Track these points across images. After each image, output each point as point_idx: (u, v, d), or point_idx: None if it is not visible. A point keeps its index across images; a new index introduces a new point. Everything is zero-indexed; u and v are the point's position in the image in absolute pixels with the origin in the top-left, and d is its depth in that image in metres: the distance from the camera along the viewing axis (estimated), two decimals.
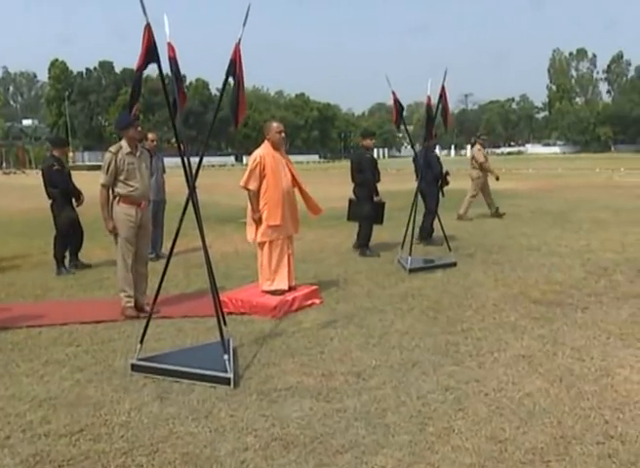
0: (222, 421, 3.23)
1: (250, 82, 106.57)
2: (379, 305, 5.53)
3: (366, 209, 8.11)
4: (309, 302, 5.58)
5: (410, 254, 7.05)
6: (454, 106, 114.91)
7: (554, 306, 5.37)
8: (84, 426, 3.20)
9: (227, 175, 38.38)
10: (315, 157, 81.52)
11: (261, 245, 5.60)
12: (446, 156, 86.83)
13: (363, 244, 8.21)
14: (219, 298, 4.22)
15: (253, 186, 5.52)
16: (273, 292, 5.50)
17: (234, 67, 4.13)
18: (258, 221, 5.53)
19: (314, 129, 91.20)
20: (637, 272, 6.70)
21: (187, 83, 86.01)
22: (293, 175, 5.78)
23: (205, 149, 4.81)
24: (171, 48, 4.21)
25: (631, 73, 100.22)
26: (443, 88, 6.99)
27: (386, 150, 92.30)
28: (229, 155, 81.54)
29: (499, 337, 4.53)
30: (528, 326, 4.81)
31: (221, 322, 4.03)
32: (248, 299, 5.39)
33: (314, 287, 5.82)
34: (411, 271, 6.84)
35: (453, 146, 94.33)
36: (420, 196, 7.99)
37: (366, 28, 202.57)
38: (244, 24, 4.06)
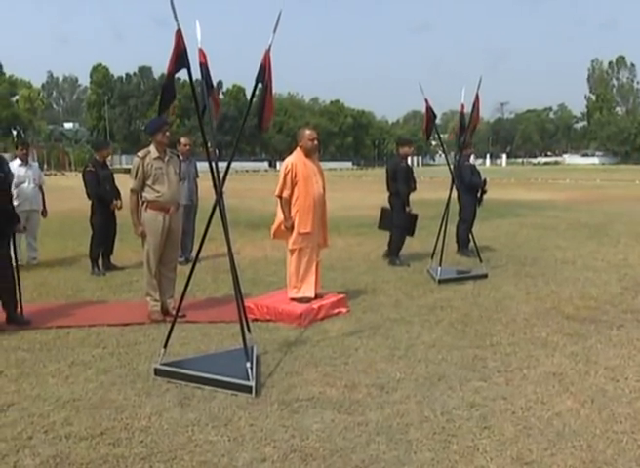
0: (242, 430, 3.20)
1: (285, 88, 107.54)
2: (406, 316, 5.44)
3: (398, 218, 8.00)
4: (336, 311, 5.52)
5: (440, 265, 6.93)
6: (490, 115, 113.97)
7: (588, 323, 5.21)
8: (105, 429, 3.20)
9: (261, 180, 38.62)
10: (349, 164, 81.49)
11: (292, 251, 5.57)
12: (481, 165, 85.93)
13: (393, 253, 8.11)
14: (243, 305, 4.20)
15: (285, 194, 5.51)
16: (300, 300, 5.46)
17: (264, 73, 4.12)
18: (290, 229, 5.50)
19: (348, 135, 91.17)
20: None
21: (224, 89, 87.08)
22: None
23: (234, 154, 4.80)
24: (202, 54, 4.23)
25: None
26: (477, 96, 6.87)
27: (420, 158, 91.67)
28: (263, 160, 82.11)
29: (529, 353, 4.40)
30: (560, 342, 4.66)
31: (244, 329, 4.00)
32: (274, 306, 5.36)
33: (341, 295, 5.76)
34: (440, 282, 6.73)
35: (488, 155, 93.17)
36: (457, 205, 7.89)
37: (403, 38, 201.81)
38: (274, 31, 4.04)
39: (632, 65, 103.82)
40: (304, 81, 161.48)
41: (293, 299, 5.50)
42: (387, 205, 8.22)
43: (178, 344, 4.57)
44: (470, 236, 7.63)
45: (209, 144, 4.12)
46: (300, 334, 4.91)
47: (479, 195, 8.77)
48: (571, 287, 6.61)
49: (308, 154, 5.63)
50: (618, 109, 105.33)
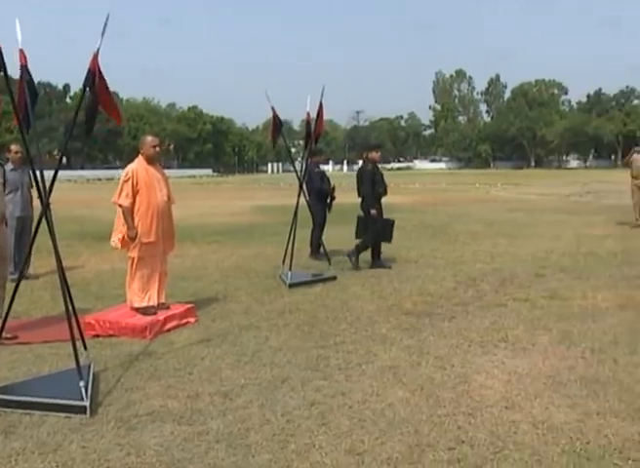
0: (73, 454, 3.03)
1: (140, 93, 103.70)
2: (255, 322, 5.48)
3: (372, 224, 8.10)
4: (184, 321, 5.42)
5: (290, 269, 7.07)
6: (346, 123, 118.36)
7: (424, 316, 5.59)
8: None
9: (113, 188, 36.81)
10: (209, 171, 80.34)
11: (133, 260, 5.38)
12: (339, 171, 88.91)
13: (356, 250, 8.15)
14: (77, 321, 4.00)
15: (126, 202, 5.30)
16: (144, 311, 5.29)
17: (93, 78, 3.96)
18: (133, 239, 5.30)
19: (208, 142, 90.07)
20: (502, 281, 7.14)
21: (72, 93, 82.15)
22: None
23: (60, 162, 4.56)
24: (22, 55, 3.98)
25: (507, 95, 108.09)
26: (320, 105, 7.12)
27: (281, 164, 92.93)
28: (118, 168, 78.51)
29: (368, 349, 4.63)
30: (397, 337, 4.95)
31: (76, 347, 3.79)
32: (116, 321, 5.14)
33: (189, 305, 5.67)
34: (291, 286, 6.86)
35: (345, 162, 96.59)
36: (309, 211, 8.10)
37: (259, 42, 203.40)
38: (102, 34, 3.90)
39: (470, 78, 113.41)
40: (160, 86, 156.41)
41: (136, 309, 5.32)
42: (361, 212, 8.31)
43: (6, 369, 4.23)
44: (320, 240, 7.85)
45: (30, 150, 3.87)
46: (144, 348, 4.75)
47: (329, 201, 9.05)
48: (412, 284, 7.05)
49: (150, 161, 5.49)
50: (460, 118, 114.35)
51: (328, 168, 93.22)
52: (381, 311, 5.81)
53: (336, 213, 9.42)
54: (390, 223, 8.37)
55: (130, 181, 5.32)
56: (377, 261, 8.20)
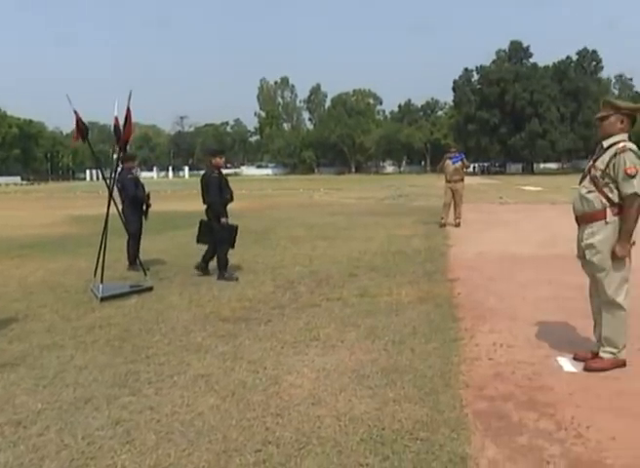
0: None
1: None
2: (59, 340, 5.10)
3: (218, 231, 7.73)
4: None
5: (101, 282, 6.70)
6: (170, 128, 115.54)
7: (241, 322, 5.62)
8: None
9: None
10: (17, 179, 73.36)
11: None
12: (164, 178, 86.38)
13: (221, 267, 7.79)
14: None
15: None
16: None
17: None
18: None
19: (14, 147, 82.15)
20: (318, 283, 7.43)
21: None
22: None
23: None
24: None
25: (328, 103, 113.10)
26: (128, 109, 6.85)
27: (99, 171, 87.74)
28: None
29: (182, 360, 4.54)
30: (212, 344, 4.92)
31: None
32: None
33: None
34: (102, 300, 6.50)
35: (170, 168, 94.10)
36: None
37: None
38: None
39: (293, 86, 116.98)
40: None
41: None
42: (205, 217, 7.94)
43: None
44: (134, 249, 7.54)
45: None
46: None
47: (144, 208, 8.74)
48: (231, 290, 7.06)
49: None
50: (285, 125, 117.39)
51: (152, 174, 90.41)
52: (198, 319, 5.73)
53: (159, 221, 9.14)
54: (235, 229, 8.33)
55: None
56: (201, 265, 8.11)
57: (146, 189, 8.98)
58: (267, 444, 3.15)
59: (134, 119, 7.15)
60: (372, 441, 3.16)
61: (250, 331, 5.30)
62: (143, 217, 8.81)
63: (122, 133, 6.99)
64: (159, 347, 4.88)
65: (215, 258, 7.97)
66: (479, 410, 3.55)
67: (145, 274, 7.31)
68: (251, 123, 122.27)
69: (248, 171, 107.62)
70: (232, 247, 8.31)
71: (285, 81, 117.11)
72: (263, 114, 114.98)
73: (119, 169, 8.18)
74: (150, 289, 7.06)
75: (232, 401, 3.72)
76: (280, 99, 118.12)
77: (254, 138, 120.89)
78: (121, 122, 7.03)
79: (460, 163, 13.93)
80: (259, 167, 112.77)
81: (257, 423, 3.39)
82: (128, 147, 8.16)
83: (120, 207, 8.30)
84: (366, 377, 4.10)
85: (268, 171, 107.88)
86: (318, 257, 9.50)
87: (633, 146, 4.10)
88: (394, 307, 6.08)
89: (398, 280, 7.48)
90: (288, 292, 6.96)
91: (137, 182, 8.78)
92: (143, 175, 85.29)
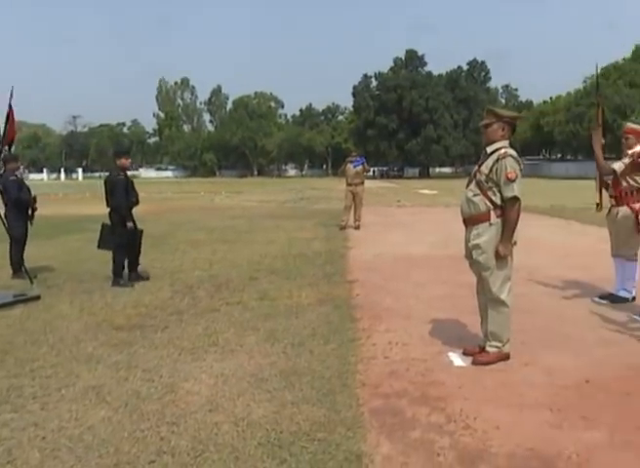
0: None
1: None
2: None
3: (119, 236, 7.32)
4: None
5: None
6: (62, 128, 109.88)
7: (136, 329, 5.42)
8: None
9: None
10: None
11: None
12: (55, 180, 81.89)
13: (116, 273, 7.34)
14: None
15: None
16: None
17: None
18: None
19: None
20: (218, 287, 7.32)
21: None
22: None
23: None
24: None
25: (229, 106, 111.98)
26: (10, 107, 6.43)
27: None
28: None
29: (70, 371, 4.31)
30: (104, 354, 4.71)
31: None
32: None
33: None
34: None
35: (63, 170, 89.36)
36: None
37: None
38: None
39: (194, 87, 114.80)
40: None
41: None
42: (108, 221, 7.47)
43: None
44: (16, 256, 7.07)
45: None
46: None
47: (30, 212, 8.23)
48: (126, 297, 6.80)
49: None
50: (185, 127, 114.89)
51: (43, 176, 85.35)
52: (90, 328, 5.47)
53: (49, 225, 8.64)
54: (139, 233, 7.98)
55: None
56: (134, 274, 7.77)
57: (32, 192, 8.47)
58: (162, 454, 3.06)
59: (19, 117, 6.73)
60: (269, 444, 3.16)
61: (145, 339, 5.13)
62: (29, 222, 8.29)
63: (4, 133, 6.54)
64: (46, 359, 4.60)
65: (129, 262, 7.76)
66: (375, 408, 3.64)
67: (32, 282, 6.89)
68: (149, 124, 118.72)
69: (147, 173, 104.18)
70: (139, 252, 8.03)
71: (185, 82, 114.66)
72: (162, 115, 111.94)
73: (0, 171, 7.66)
74: (37, 297, 6.65)
75: (125, 412, 3.58)
76: (180, 101, 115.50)
77: (152, 140, 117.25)
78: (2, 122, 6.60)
79: (360, 167, 14.26)
80: (158, 169, 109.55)
81: (151, 433, 3.29)
82: (13, 148, 7.68)
83: (2, 211, 7.78)
84: (264, 381, 4.09)
85: (168, 173, 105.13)
86: (218, 261, 9.37)
87: (513, 152, 4.38)
88: (294, 310, 6.11)
89: (298, 282, 7.53)
90: (186, 297, 6.81)
91: (20, 185, 8.25)
92: (32, 176, 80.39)
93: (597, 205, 6.74)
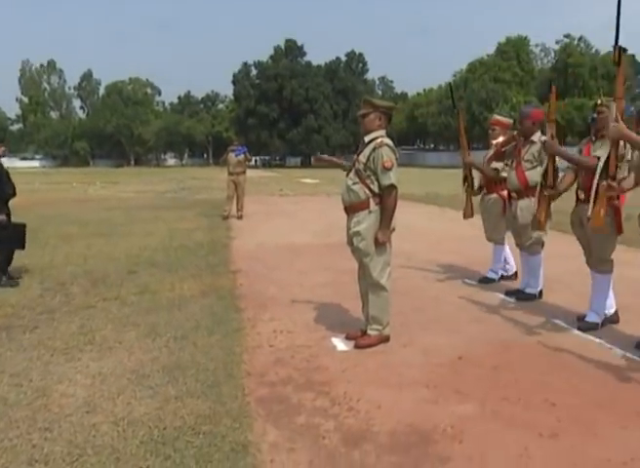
0: None
1: None
2: None
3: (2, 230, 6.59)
4: None
5: None
6: None
7: (1, 331, 5.02)
8: None
9: None
10: None
11: None
12: None
13: (1, 266, 6.64)
14: None
15: None
16: None
17: None
18: None
19: None
20: (94, 282, 6.96)
21: None
22: None
23: None
24: None
25: (102, 91, 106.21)
26: None
27: None
28: None
29: None
30: None
31: None
32: None
33: None
34: None
35: None
36: None
37: None
38: None
39: (61, 71, 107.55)
40: None
41: None
42: None
43: None
44: None
45: None
46: None
47: None
48: None
49: None
50: (52, 113, 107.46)
51: None
52: None
53: None
54: (22, 228, 7.29)
55: None
56: (7, 275, 7.01)
57: None
58: (34, 462, 2.86)
59: None
60: (152, 442, 3.06)
61: (12, 341, 4.76)
62: None
63: None
64: None
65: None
66: (261, 397, 3.64)
67: None
68: (11, 109, 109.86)
69: (10, 163, 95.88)
70: (23, 248, 7.40)
71: (52, 65, 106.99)
72: (26, 100, 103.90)
73: None
74: None
75: None
76: (46, 85, 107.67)
77: (16, 127, 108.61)
78: None
79: (242, 156, 14.14)
80: (23, 159, 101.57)
81: (21, 441, 3.06)
82: None
83: None
84: (146, 377, 3.95)
85: (35, 163, 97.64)
86: (93, 256, 8.89)
87: (390, 142, 4.53)
88: (176, 302, 5.95)
89: (180, 274, 7.34)
90: (58, 294, 6.40)
91: None
92: None
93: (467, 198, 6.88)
